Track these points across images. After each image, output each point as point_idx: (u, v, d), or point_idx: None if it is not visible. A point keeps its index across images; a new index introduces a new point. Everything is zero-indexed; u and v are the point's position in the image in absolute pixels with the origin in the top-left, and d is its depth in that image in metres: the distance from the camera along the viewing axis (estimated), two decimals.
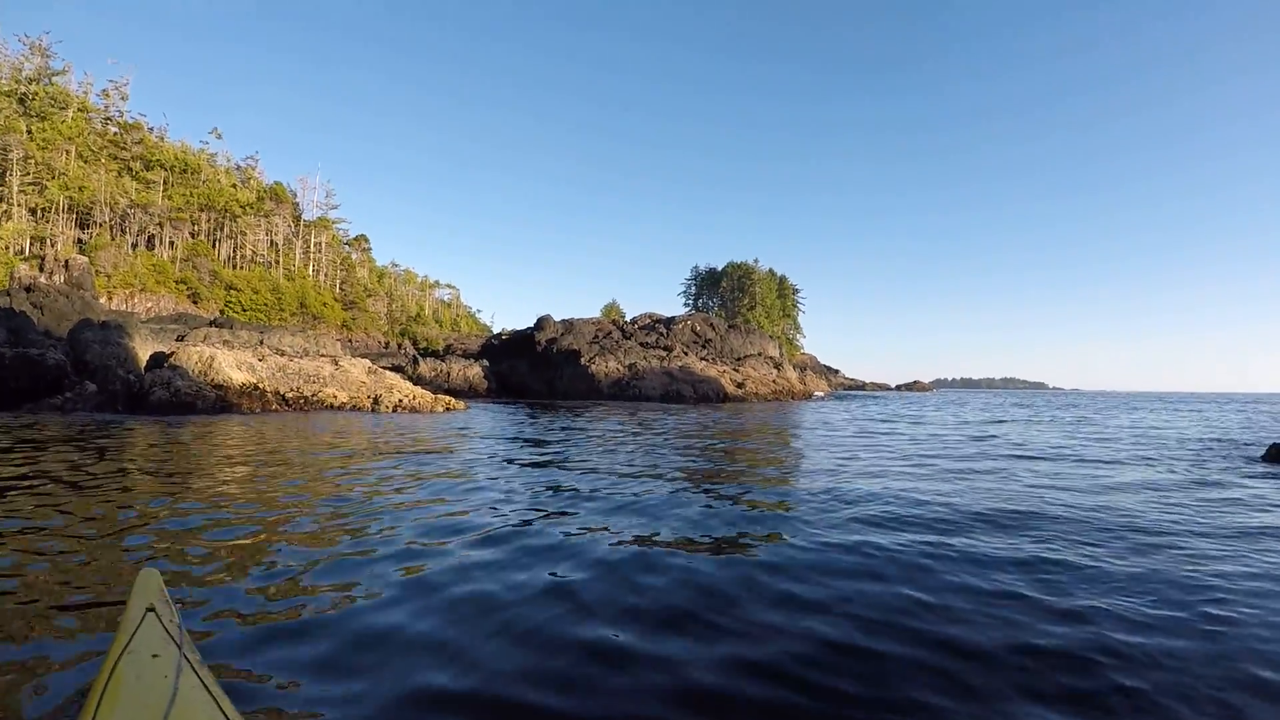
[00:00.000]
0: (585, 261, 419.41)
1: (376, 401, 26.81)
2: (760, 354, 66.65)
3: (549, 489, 9.44)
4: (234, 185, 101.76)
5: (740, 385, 51.98)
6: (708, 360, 54.51)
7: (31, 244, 73.45)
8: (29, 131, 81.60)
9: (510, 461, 12.25)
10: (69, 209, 79.16)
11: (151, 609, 2.89)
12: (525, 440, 16.43)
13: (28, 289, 37.02)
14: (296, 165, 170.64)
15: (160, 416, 20.50)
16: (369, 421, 21.29)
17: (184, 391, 22.40)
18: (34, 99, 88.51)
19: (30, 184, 77.20)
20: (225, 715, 2.25)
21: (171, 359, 24.95)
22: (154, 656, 2.51)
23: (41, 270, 65.39)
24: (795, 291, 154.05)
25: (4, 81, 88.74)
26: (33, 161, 77.81)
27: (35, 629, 4.16)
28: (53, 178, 78.45)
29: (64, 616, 4.36)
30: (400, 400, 27.13)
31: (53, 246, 72.72)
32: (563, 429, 20.23)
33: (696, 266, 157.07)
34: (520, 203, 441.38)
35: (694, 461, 12.82)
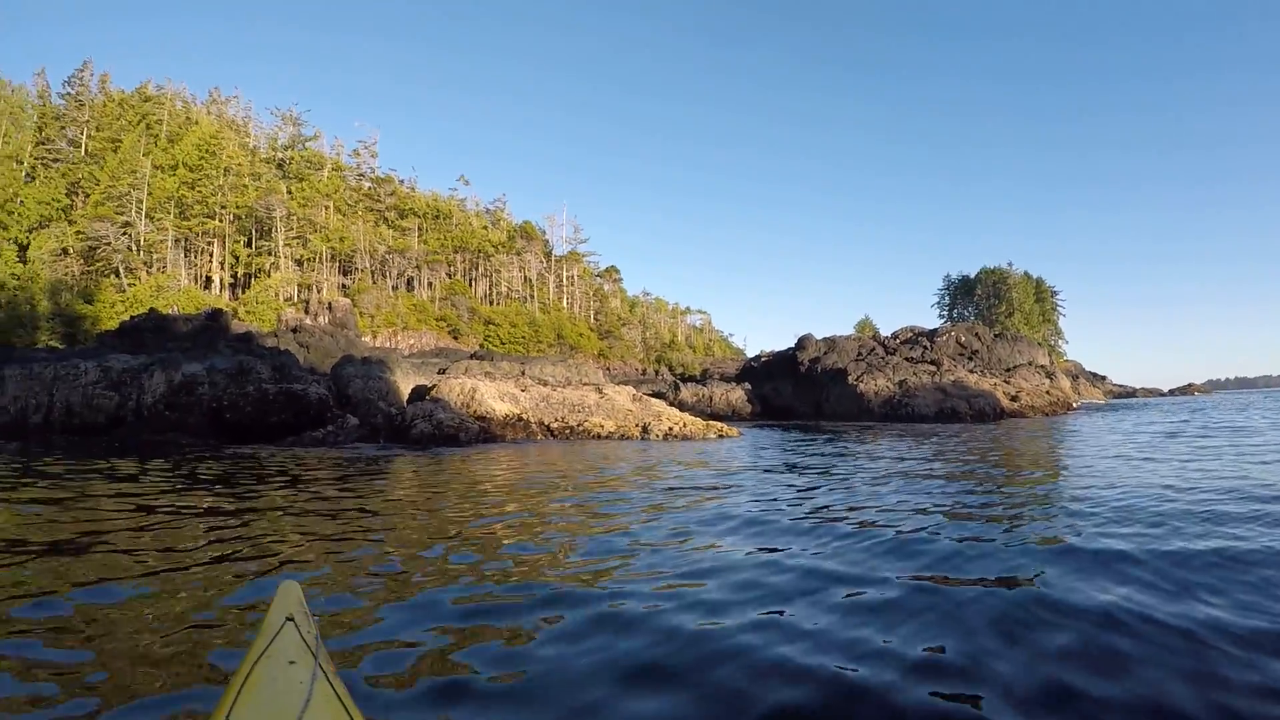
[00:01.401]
0: (831, 280, 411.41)
1: (645, 430, 24.87)
2: (1030, 363, 61.63)
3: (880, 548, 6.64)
4: (484, 227, 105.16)
5: (1014, 398, 47.72)
6: (977, 373, 50.62)
7: (299, 291, 77.48)
8: (289, 192, 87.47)
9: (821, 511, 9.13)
10: (331, 258, 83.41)
11: (291, 619, 2.80)
12: (811, 478, 13.72)
13: (294, 330, 38.06)
14: (542, 204, 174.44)
15: (422, 449, 19.27)
16: (642, 451, 19.18)
17: (446, 424, 21.21)
18: (291, 163, 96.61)
19: (294, 238, 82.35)
20: None
21: (433, 392, 23.96)
22: (290, 663, 2.46)
23: (307, 313, 68.18)
24: (1054, 294, 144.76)
25: (263, 150, 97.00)
26: (295, 218, 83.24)
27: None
28: (314, 231, 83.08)
29: None
30: (670, 428, 25.09)
31: (318, 292, 76.16)
32: (847, 457, 17.45)
33: (948, 275, 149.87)
34: (764, 225, 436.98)
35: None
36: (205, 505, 9.14)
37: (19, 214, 76.66)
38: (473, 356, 30.89)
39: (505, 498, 9.79)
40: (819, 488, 10.73)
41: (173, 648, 3.99)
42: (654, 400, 28.71)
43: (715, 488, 10.79)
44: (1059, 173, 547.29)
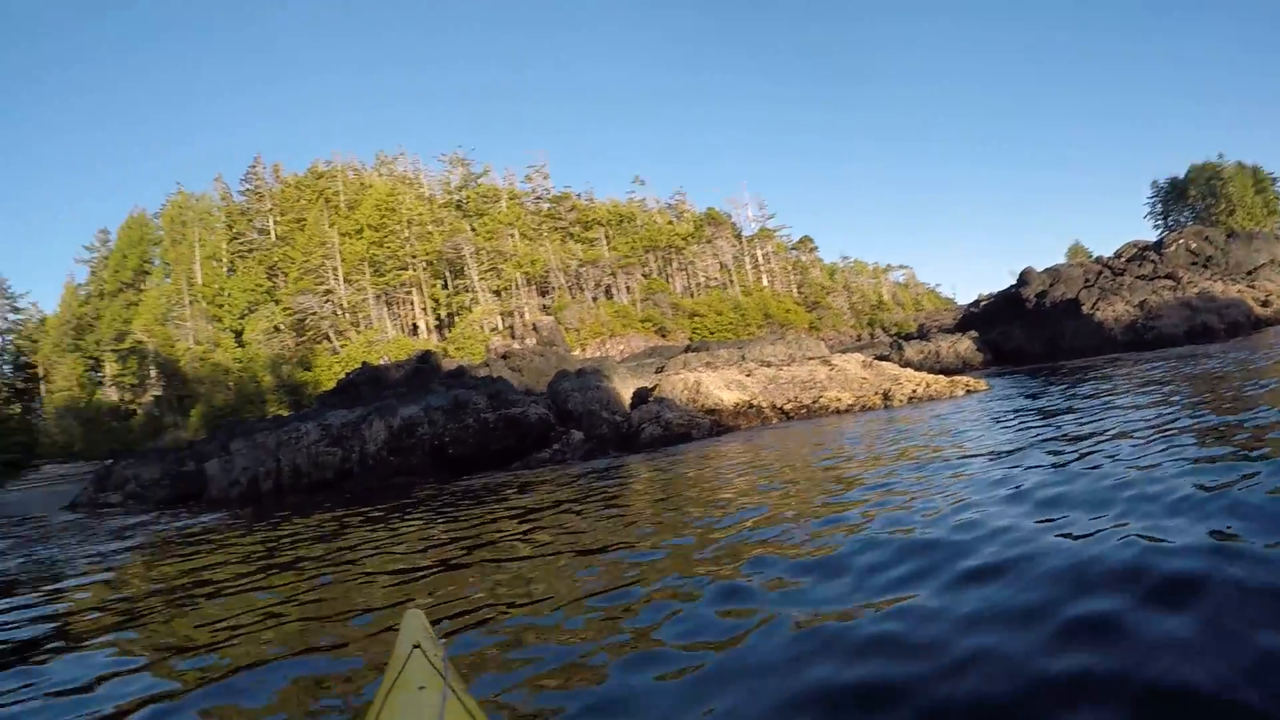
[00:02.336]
0: (1030, 211, 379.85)
1: (887, 396, 22.93)
2: (1272, 261, 56.39)
3: None
4: (669, 222, 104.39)
5: (1265, 303, 43.35)
6: (1218, 280, 46.10)
7: (503, 319, 79.02)
8: (473, 229, 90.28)
9: None
10: (527, 282, 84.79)
11: (418, 645, 3.01)
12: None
13: (504, 356, 38.48)
14: (722, 189, 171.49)
15: (654, 452, 18.18)
16: (891, 422, 17.05)
17: (675, 423, 20.07)
18: (468, 201, 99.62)
19: (487, 271, 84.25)
20: None
21: (655, 392, 22.92)
22: (420, 689, 2.62)
23: (513, 338, 69.26)
24: (1275, 181, 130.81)
25: (439, 196, 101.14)
26: (483, 252, 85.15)
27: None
28: (505, 260, 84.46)
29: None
30: (914, 390, 23.08)
31: (520, 316, 77.22)
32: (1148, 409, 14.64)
33: (1156, 181, 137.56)
34: (953, 162, 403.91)
35: None
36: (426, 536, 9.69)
37: (228, 305, 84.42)
38: (688, 350, 29.79)
39: (749, 503, 8.29)
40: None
41: None
42: (885, 364, 26.85)
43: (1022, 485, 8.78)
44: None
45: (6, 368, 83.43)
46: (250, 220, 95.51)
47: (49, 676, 4.92)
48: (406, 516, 11.98)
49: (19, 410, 79.40)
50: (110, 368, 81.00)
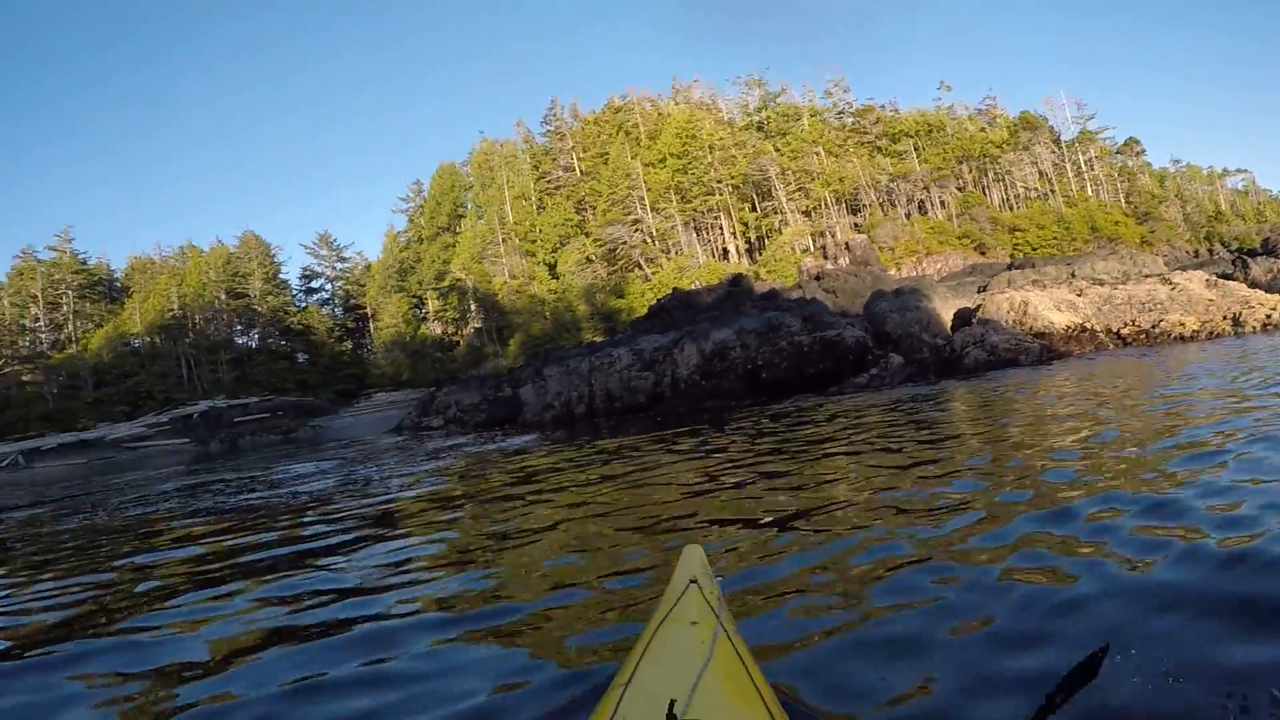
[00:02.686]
0: None
1: (1237, 321, 21.01)
2: None
3: None
4: (981, 129, 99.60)
5: None
6: None
7: (813, 239, 78.28)
8: (776, 149, 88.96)
9: None
10: (836, 201, 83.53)
11: (694, 581, 3.01)
12: None
13: (817, 277, 38.30)
14: (1035, 89, 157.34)
15: (978, 378, 17.42)
16: (1248, 353, 14.95)
17: (1001, 347, 19.35)
18: (769, 122, 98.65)
19: (795, 191, 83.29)
20: (754, 681, 2.25)
21: (979, 313, 22.23)
22: (693, 623, 2.64)
23: (825, 258, 68.01)
24: None
25: (738, 120, 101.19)
26: (789, 172, 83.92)
27: None
28: (812, 179, 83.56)
29: None
30: (1268, 316, 21.07)
31: (831, 236, 75.98)
32: None
33: None
34: None
35: None
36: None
37: (540, 240, 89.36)
38: (1011, 267, 28.59)
39: (1094, 450, 7.03)
40: None
41: None
42: (1231, 284, 24.66)
43: None
44: None
45: (338, 310, 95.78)
46: (554, 159, 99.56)
47: (334, 582, 5.32)
48: (713, 442, 12.09)
49: (350, 347, 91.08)
50: (432, 304, 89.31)
